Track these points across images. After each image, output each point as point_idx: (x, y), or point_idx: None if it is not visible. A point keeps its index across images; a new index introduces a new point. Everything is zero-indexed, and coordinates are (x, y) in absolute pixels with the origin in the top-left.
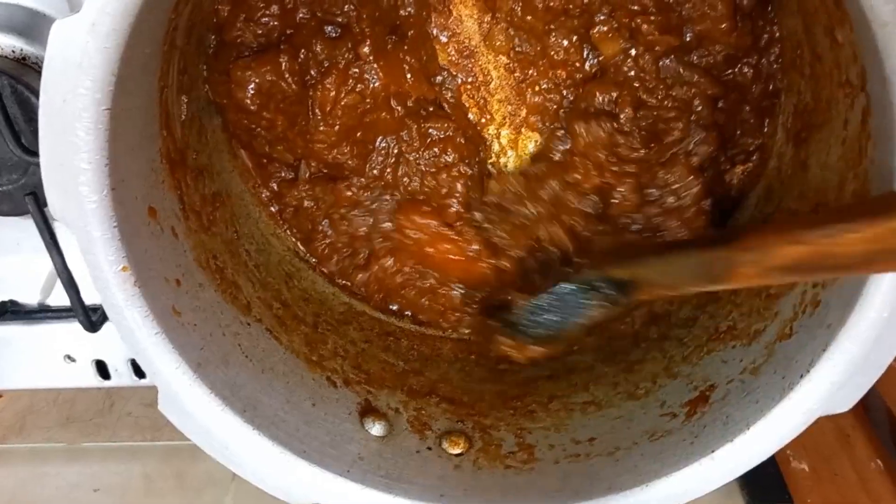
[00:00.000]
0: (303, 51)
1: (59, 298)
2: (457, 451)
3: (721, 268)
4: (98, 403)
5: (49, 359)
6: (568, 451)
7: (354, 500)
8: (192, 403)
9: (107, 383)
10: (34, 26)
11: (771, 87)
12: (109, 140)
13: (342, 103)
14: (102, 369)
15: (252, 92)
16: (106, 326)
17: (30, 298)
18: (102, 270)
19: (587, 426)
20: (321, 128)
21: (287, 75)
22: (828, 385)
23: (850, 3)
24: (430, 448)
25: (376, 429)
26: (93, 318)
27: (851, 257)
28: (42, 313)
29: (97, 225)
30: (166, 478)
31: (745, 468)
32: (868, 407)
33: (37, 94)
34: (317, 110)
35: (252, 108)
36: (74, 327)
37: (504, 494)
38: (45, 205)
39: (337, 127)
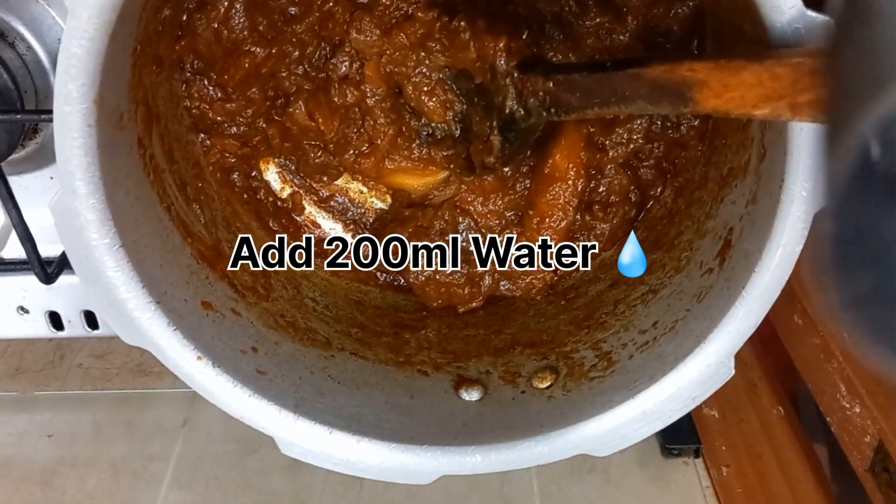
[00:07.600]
0: None
1: (13, 251)
2: (545, 384)
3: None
4: (48, 355)
5: (1, 311)
6: (638, 342)
7: (468, 460)
8: (302, 438)
9: (60, 334)
10: None
11: None
12: (136, 268)
13: None
14: (56, 320)
15: None
16: (61, 278)
17: None
18: (182, 367)
19: (649, 314)
20: None
21: None
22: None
23: None
24: (523, 392)
25: (472, 395)
26: (49, 271)
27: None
28: None
29: (160, 334)
30: (116, 425)
31: (772, 296)
32: (795, 397)
33: None
34: None
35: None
36: (27, 279)
37: (594, 405)
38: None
39: None
